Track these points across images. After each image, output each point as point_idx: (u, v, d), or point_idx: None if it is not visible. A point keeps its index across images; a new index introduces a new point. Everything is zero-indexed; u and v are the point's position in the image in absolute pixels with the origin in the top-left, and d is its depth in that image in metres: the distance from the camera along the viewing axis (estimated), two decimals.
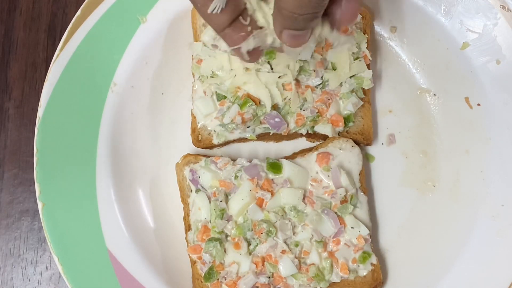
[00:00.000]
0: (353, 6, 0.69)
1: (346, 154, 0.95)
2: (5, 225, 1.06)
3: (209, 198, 0.93)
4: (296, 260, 0.91)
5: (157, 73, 1.04)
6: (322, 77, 0.96)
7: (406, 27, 1.04)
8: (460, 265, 0.95)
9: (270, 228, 0.90)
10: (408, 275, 0.97)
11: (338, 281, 0.91)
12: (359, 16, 1.00)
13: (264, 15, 0.72)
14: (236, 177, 0.93)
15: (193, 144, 0.99)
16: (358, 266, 0.92)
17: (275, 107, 0.96)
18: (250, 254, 0.91)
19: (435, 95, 1.03)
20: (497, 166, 0.98)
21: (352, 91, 0.97)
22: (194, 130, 0.99)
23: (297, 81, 0.95)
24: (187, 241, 0.94)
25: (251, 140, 0.99)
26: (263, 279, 0.90)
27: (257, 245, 0.91)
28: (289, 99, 0.95)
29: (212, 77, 0.97)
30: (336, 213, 0.92)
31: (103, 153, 0.99)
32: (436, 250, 0.97)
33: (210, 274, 0.91)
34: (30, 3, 1.12)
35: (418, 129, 1.02)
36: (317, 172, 0.94)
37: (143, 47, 1.02)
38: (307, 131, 0.97)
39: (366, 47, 0.98)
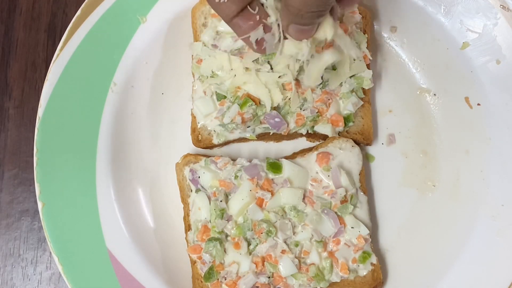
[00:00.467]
0: None
1: (346, 154, 0.95)
2: (5, 225, 1.06)
3: (209, 198, 0.93)
4: (296, 260, 0.91)
5: (157, 73, 1.04)
6: (322, 77, 0.96)
7: (406, 27, 1.04)
8: (460, 265, 0.95)
9: (270, 228, 0.90)
10: (408, 275, 0.97)
11: (338, 281, 0.91)
12: (359, 16, 1.00)
13: (272, 4, 0.72)
14: (236, 177, 0.93)
15: (193, 144, 0.99)
16: (358, 266, 0.92)
17: (275, 107, 0.96)
18: (250, 254, 0.91)
19: (435, 95, 1.03)
20: (497, 166, 0.98)
21: (352, 91, 0.97)
22: (194, 130, 0.99)
23: (297, 81, 0.95)
24: (187, 241, 0.94)
25: (251, 140, 0.99)
26: (263, 279, 0.90)
27: (257, 245, 0.91)
28: (289, 99, 0.95)
29: (212, 77, 0.97)
30: (336, 213, 0.92)
31: (103, 153, 0.99)
32: (436, 250, 0.97)
33: (210, 274, 0.91)
34: (30, 3, 1.12)
35: (418, 129, 1.02)
36: (317, 172, 0.94)
37: (143, 47, 1.02)
38: (307, 131, 0.97)
39: (366, 47, 0.98)
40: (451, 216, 0.98)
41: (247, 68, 0.96)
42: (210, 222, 0.92)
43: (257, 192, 0.92)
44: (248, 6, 0.71)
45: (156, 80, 1.04)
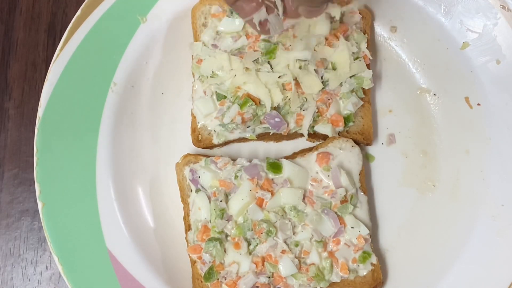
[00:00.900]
0: None
1: (346, 154, 0.95)
2: (5, 225, 1.06)
3: (209, 198, 0.93)
4: (296, 260, 0.91)
5: (157, 73, 1.04)
6: (322, 77, 0.96)
7: (406, 27, 1.04)
8: (460, 265, 0.95)
9: (270, 228, 0.90)
10: (408, 275, 0.97)
11: (338, 281, 0.91)
12: (359, 16, 1.00)
13: None
14: (236, 177, 0.93)
15: (193, 144, 0.99)
16: (358, 266, 0.92)
17: (275, 107, 0.96)
18: (250, 254, 0.91)
19: (435, 95, 1.03)
20: (497, 166, 0.98)
21: (352, 91, 0.97)
22: (194, 130, 0.99)
23: (297, 81, 0.95)
24: (187, 241, 0.94)
25: (251, 140, 0.99)
26: (263, 279, 0.90)
27: (257, 245, 0.91)
28: (289, 99, 0.95)
29: (212, 77, 0.97)
30: (336, 213, 0.92)
31: (103, 153, 0.99)
32: (436, 250, 0.97)
33: (210, 274, 0.91)
34: (30, 3, 1.12)
35: (418, 129, 1.02)
36: (317, 172, 0.94)
37: (143, 47, 1.02)
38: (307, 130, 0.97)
39: (366, 47, 0.98)
40: (451, 216, 0.98)
41: (247, 68, 0.96)
42: (210, 222, 0.92)
43: (257, 192, 0.92)
44: None
45: (156, 80, 1.04)
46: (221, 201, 0.92)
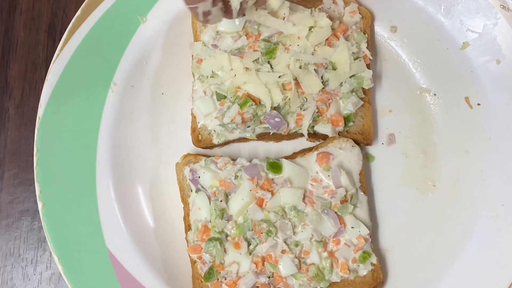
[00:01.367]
0: None
1: (346, 154, 0.95)
2: (5, 225, 1.06)
3: (209, 198, 0.93)
4: (296, 260, 0.91)
5: (157, 73, 1.04)
6: (322, 76, 0.96)
7: (406, 27, 1.04)
8: (460, 265, 0.95)
9: (270, 228, 0.90)
10: (408, 275, 0.97)
11: (338, 281, 0.91)
12: (359, 16, 1.00)
13: None
14: (236, 177, 0.93)
15: (193, 144, 0.99)
16: (358, 266, 0.92)
17: (275, 107, 0.96)
18: (250, 254, 0.91)
19: (435, 95, 1.03)
20: (497, 166, 0.98)
21: (352, 91, 0.97)
22: (194, 130, 0.99)
23: (297, 81, 0.95)
24: (187, 241, 0.94)
25: (251, 140, 0.99)
26: (263, 279, 0.90)
27: (257, 245, 0.91)
28: (289, 99, 0.95)
29: (212, 77, 0.97)
30: (336, 213, 0.92)
31: (103, 153, 0.99)
32: (436, 250, 0.97)
33: (210, 274, 0.91)
34: (30, 3, 1.12)
35: (418, 129, 1.02)
36: (317, 172, 0.94)
37: (143, 47, 1.02)
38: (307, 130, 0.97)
39: (366, 47, 0.98)
40: (451, 216, 0.98)
41: (247, 68, 0.96)
42: (210, 222, 0.92)
43: (257, 192, 0.92)
44: None
45: (156, 80, 1.04)
46: (221, 201, 0.92)
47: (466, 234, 0.96)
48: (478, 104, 1.00)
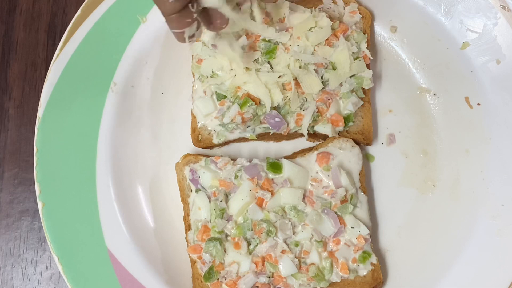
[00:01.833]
0: None
1: (346, 154, 0.95)
2: (5, 225, 1.06)
3: (209, 198, 0.93)
4: (296, 260, 0.91)
5: (157, 73, 1.04)
6: (322, 76, 0.96)
7: (406, 27, 1.04)
8: (460, 265, 0.95)
9: (270, 228, 0.90)
10: (408, 275, 0.97)
11: (338, 280, 0.91)
12: (359, 16, 1.00)
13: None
14: (236, 177, 0.93)
15: (193, 144, 0.99)
16: (358, 266, 0.92)
17: (275, 107, 0.96)
18: (250, 254, 0.91)
19: (435, 94, 1.03)
20: (497, 166, 0.98)
21: (352, 90, 0.97)
22: (194, 130, 0.99)
23: (297, 81, 0.95)
24: (187, 240, 0.94)
25: (251, 140, 0.99)
26: (263, 279, 0.90)
27: (257, 245, 0.91)
28: (289, 99, 0.95)
29: (212, 77, 0.97)
30: (336, 212, 0.92)
31: (103, 153, 0.99)
32: (436, 250, 0.97)
33: (210, 274, 0.91)
34: (30, 3, 1.12)
35: (418, 129, 1.02)
36: (317, 172, 0.94)
37: (143, 47, 1.02)
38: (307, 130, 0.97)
39: (366, 47, 0.98)
40: (451, 216, 0.98)
41: (247, 68, 0.96)
42: (210, 222, 0.92)
43: (257, 192, 0.92)
44: (189, 4, 0.73)
45: (156, 80, 1.04)
46: (221, 201, 0.92)
47: (466, 234, 0.96)
48: (478, 104, 1.00)
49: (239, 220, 0.92)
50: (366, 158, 1.01)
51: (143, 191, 1.01)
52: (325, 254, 0.92)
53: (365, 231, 0.92)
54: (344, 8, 1.01)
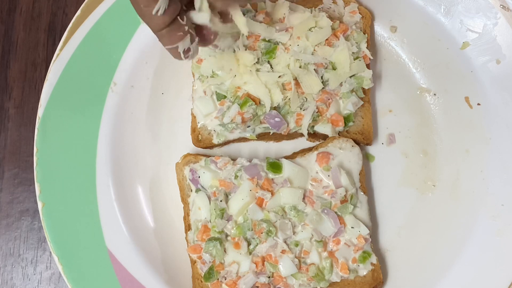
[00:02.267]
0: None
1: (346, 154, 0.95)
2: (5, 225, 1.06)
3: (209, 198, 0.93)
4: (296, 260, 0.91)
5: (157, 73, 1.04)
6: (322, 76, 0.96)
7: (406, 27, 1.04)
8: (460, 265, 0.95)
9: (270, 228, 0.90)
10: (408, 275, 0.97)
11: (338, 280, 0.91)
12: (359, 16, 1.00)
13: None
14: (236, 176, 0.93)
15: (193, 143, 0.99)
16: (358, 265, 0.92)
17: (275, 107, 0.96)
18: (250, 254, 0.91)
19: (435, 94, 1.03)
20: (497, 166, 0.98)
21: (352, 90, 0.97)
22: (194, 129, 0.99)
23: (297, 80, 0.95)
24: (187, 240, 0.94)
25: (251, 139, 0.99)
26: (263, 279, 0.90)
27: (257, 244, 0.91)
28: (289, 99, 0.95)
29: (212, 77, 0.97)
30: (336, 212, 0.92)
31: (103, 153, 0.99)
32: (436, 250, 0.97)
33: (210, 273, 0.91)
34: (30, 3, 1.12)
35: (418, 129, 1.02)
36: (317, 172, 0.94)
37: (143, 47, 1.02)
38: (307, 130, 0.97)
39: (366, 47, 0.98)
40: (451, 216, 0.98)
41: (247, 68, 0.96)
42: (210, 222, 0.92)
43: (257, 192, 0.92)
44: (178, 17, 0.71)
45: (156, 80, 1.04)
46: (221, 201, 0.92)
47: (466, 234, 0.96)
48: (478, 104, 1.00)
49: (239, 220, 0.92)
50: (366, 158, 1.01)
51: (143, 191, 1.01)
52: (325, 254, 0.92)
53: (365, 231, 0.92)
54: (344, 8, 1.01)
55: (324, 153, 0.95)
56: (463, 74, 1.01)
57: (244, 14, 0.86)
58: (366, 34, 0.99)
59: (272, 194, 0.92)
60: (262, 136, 0.99)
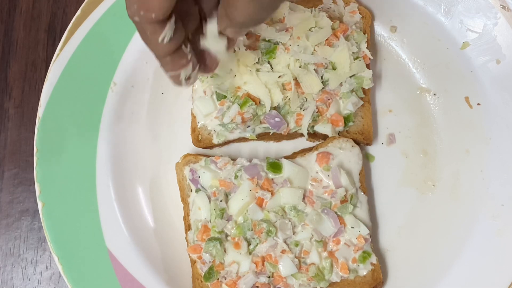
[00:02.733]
0: None
1: (346, 154, 0.95)
2: (5, 225, 1.06)
3: (209, 198, 0.93)
4: (296, 260, 0.91)
5: (157, 73, 1.04)
6: (322, 76, 0.96)
7: (406, 27, 1.04)
8: (460, 265, 0.95)
9: (270, 228, 0.90)
10: (408, 275, 0.97)
11: (338, 280, 0.91)
12: (359, 16, 1.00)
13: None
14: (236, 176, 0.93)
15: (193, 143, 0.99)
16: (358, 265, 0.92)
17: (275, 107, 0.96)
18: (250, 254, 0.91)
19: (435, 94, 1.03)
20: (497, 166, 0.98)
21: (352, 90, 0.97)
22: (194, 129, 0.99)
23: (297, 80, 0.95)
24: (187, 240, 0.94)
25: (251, 139, 0.99)
26: (263, 279, 0.90)
27: (257, 244, 0.91)
28: (289, 99, 0.95)
29: (212, 77, 0.97)
30: (336, 212, 0.92)
31: (103, 153, 0.99)
32: (436, 250, 0.96)
33: (210, 274, 0.91)
34: (30, 3, 1.12)
35: (418, 129, 1.02)
36: (317, 172, 0.94)
37: (143, 47, 1.01)
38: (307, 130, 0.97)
39: (366, 47, 0.98)
40: (451, 216, 0.98)
41: (247, 67, 0.96)
42: (210, 222, 0.92)
43: (257, 192, 0.92)
44: (183, 44, 0.71)
45: (156, 80, 1.04)
46: (221, 201, 0.92)
47: (466, 234, 0.96)
48: (478, 104, 1.00)
49: (239, 220, 0.92)
50: (366, 158, 1.01)
51: (143, 191, 1.01)
52: (325, 254, 0.92)
53: (365, 231, 0.92)
54: (344, 8, 1.01)
55: (324, 153, 0.95)
56: (463, 74, 1.01)
57: None
58: (366, 34, 0.99)
59: (272, 194, 0.92)
60: (262, 136, 0.99)
